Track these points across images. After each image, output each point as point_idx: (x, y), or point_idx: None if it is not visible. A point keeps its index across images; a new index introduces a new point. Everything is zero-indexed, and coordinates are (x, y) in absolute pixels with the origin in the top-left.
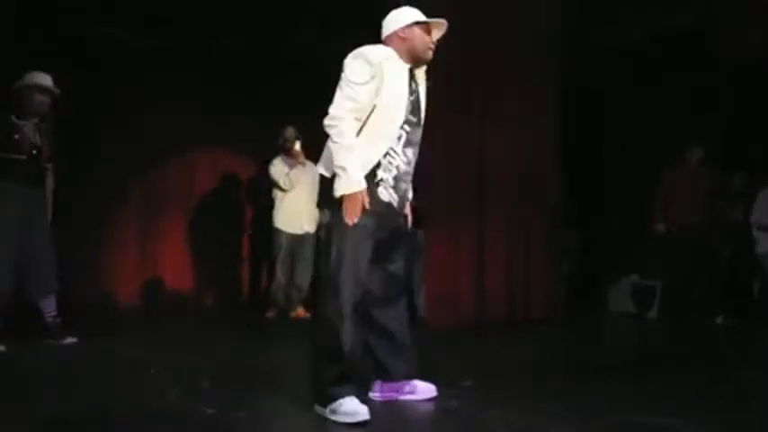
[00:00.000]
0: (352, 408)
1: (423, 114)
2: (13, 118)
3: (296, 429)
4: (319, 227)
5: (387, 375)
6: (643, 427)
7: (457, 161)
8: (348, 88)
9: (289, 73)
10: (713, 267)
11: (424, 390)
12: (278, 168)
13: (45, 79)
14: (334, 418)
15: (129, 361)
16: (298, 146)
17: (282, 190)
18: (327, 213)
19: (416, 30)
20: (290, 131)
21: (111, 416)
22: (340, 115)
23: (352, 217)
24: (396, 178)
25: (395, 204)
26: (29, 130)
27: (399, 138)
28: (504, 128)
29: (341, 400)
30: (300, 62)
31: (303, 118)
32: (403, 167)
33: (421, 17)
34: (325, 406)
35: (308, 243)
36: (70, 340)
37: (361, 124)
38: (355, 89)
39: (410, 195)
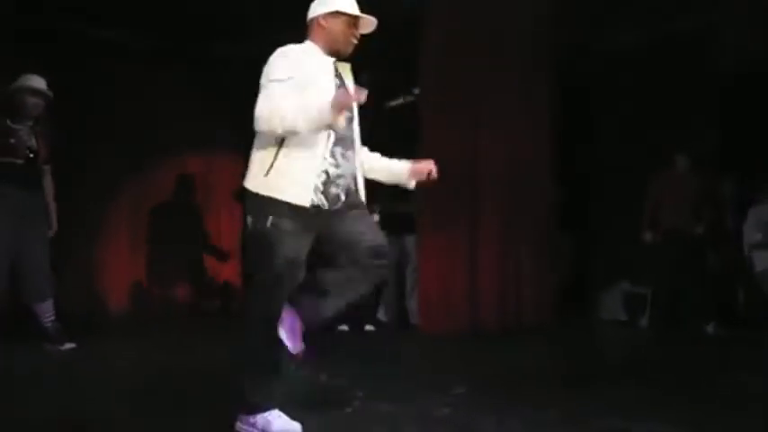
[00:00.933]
0: (283, 426)
1: (356, 110)
2: (8, 122)
3: None
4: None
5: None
6: None
7: (450, 165)
8: (269, 87)
9: None
10: (703, 274)
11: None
12: None
13: (38, 82)
14: None
15: (120, 366)
16: None
17: None
18: (249, 219)
19: (340, 19)
20: None
21: (98, 422)
22: (264, 115)
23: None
24: (325, 183)
25: (326, 206)
26: (24, 133)
27: (328, 137)
28: (498, 131)
29: (267, 415)
30: None
31: None
32: (333, 171)
33: (349, 8)
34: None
35: None
36: (69, 346)
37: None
38: (273, 86)
39: (356, 189)
